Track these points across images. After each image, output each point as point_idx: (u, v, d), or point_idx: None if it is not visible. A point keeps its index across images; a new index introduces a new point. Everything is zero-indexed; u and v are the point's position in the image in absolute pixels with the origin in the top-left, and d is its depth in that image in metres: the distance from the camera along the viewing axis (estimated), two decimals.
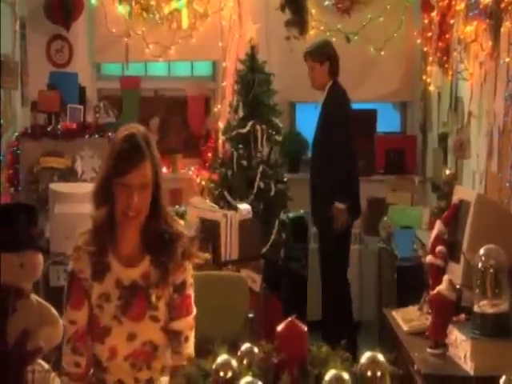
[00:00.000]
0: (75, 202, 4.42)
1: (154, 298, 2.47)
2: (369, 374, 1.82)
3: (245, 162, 5.69)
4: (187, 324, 2.54)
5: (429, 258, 3.36)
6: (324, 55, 5.38)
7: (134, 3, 6.35)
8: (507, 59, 3.86)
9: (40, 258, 1.96)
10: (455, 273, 3.18)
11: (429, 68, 5.94)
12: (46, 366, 1.95)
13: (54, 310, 1.99)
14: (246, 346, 1.95)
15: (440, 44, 5.47)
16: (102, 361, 2.48)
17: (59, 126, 6.01)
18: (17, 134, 6.00)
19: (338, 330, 5.07)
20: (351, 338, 5.03)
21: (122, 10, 6.39)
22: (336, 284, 5.30)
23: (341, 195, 5.19)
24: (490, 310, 2.83)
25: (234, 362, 1.86)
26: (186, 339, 2.54)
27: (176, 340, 2.52)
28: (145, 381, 2.46)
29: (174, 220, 2.55)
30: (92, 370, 2.52)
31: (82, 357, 2.47)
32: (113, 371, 2.47)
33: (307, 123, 6.55)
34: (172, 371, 2.47)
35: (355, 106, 5.70)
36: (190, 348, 2.56)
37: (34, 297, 1.97)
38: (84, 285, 2.45)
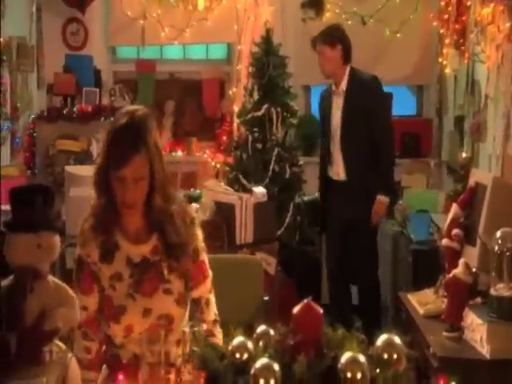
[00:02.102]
0: (91, 185, 4.42)
1: (166, 272, 2.47)
2: (385, 356, 1.82)
3: (260, 145, 5.68)
4: (205, 289, 2.58)
5: (445, 242, 3.35)
6: (335, 38, 5.11)
7: None
8: None
9: (57, 239, 1.97)
10: (471, 256, 3.17)
11: (445, 50, 5.89)
12: (64, 346, 1.96)
13: (70, 292, 2.00)
14: (261, 328, 1.94)
15: (457, 26, 5.42)
16: (116, 339, 2.48)
17: (75, 109, 6.03)
18: (33, 116, 6.02)
19: (378, 316, 5.15)
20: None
21: None
22: (376, 269, 5.28)
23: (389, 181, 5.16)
24: (506, 294, 2.82)
25: (250, 344, 1.86)
26: (207, 303, 2.58)
27: (197, 307, 2.56)
28: (160, 353, 2.46)
29: (175, 200, 2.52)
30: (104, 347, 2.53)
31: (92, 342, 2.48)
32: (128, 347, 2.47)
33: None
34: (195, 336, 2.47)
35: None
36: (212, 311, 2.60)
37: (51, 278, 1.98)
38: (92, 268, 2.45)
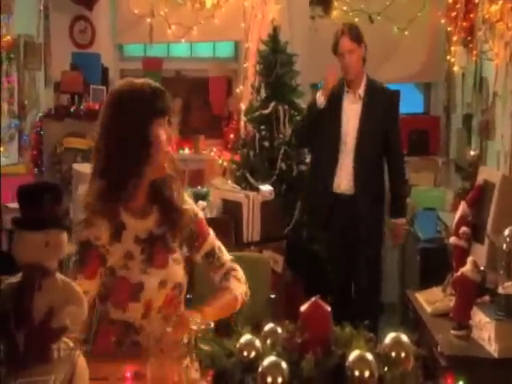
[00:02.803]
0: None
1: (170, 242, 2.53)
2: (393, 354, 1.82)
3: (267, 143, 5.67)
4: (213, 239, 2.65)
5: (453, 240, 3.35)
6: (361, 35, 4.89)
7: None
8: None
9: (65, 236, 1.96)
10: (479, 254, 3.17)
11: (453, 48, 5.88)
12: (71, 343, 1.96)
13: (78, 289, 2.00)
14: (269, 325, 1.94)
15: (465, 24, 5.40)
16: (135, 321, 2.46)
17: (82, 107, 6.04)
18: (40, 114, 6.03)
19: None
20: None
21: None
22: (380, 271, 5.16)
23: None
24: None
25: (258, 342, 1.86)
26: (219, 248, 2.65)
27: (212, 257, 2.63)
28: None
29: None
30: (114, 339, 2.50)
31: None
32: (147, 330, 2.45)
33: None
34: (225, 275, 2.60)
35: None
36: (226, 253, 2.67)
37: (59, 276, 1.98)
38: (101, 252, 2.43)
